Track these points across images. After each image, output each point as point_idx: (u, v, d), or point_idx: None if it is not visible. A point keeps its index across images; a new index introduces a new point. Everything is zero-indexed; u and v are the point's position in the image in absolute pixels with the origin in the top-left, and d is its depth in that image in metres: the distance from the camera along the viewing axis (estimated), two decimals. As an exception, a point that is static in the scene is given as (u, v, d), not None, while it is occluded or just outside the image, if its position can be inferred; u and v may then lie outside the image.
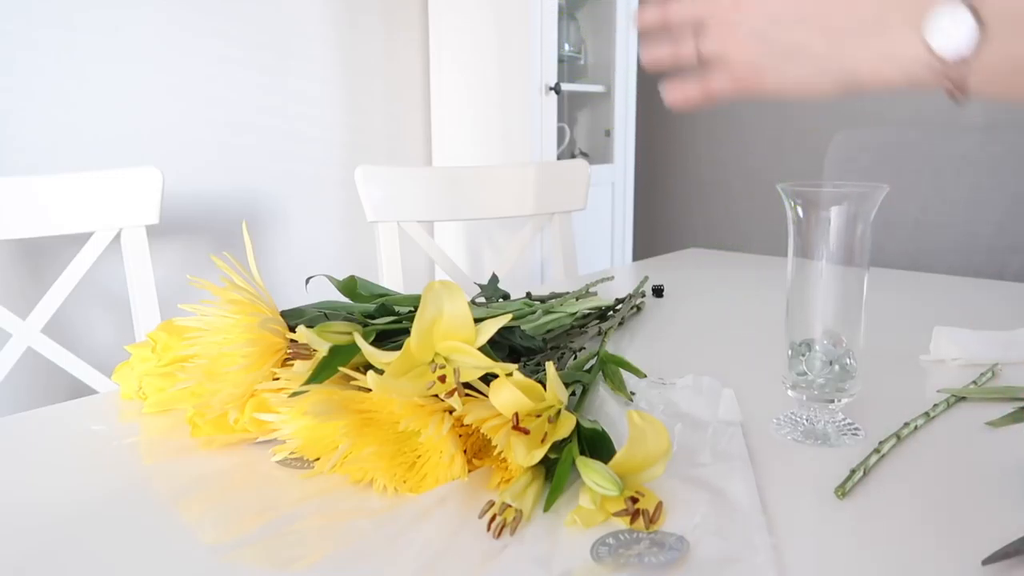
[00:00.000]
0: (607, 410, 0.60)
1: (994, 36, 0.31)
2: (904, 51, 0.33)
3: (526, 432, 0.44)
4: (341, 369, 0.50)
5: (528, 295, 0.88)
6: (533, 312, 0.76)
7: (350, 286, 0.65)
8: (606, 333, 0.78)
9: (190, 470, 0.52)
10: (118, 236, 1.05)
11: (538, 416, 0.46)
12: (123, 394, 0.64)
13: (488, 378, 0.48)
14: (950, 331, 0.75)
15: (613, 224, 2.43)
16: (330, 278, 0.65)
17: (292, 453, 0.51)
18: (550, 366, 0.47)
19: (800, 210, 0.53)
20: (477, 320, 0.50)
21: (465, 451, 0.48)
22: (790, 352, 0.56)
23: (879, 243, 2.11)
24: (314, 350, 0.52)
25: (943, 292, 1.06)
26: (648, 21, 0.43)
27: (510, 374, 0.47)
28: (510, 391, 0.45)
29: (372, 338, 0.54)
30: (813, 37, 0.36)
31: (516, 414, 0.44)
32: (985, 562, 0.40)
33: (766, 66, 0.38)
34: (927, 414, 0.58)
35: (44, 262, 1.41)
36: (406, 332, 0.58)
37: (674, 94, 0.42)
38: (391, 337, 0.59)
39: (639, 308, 0.94)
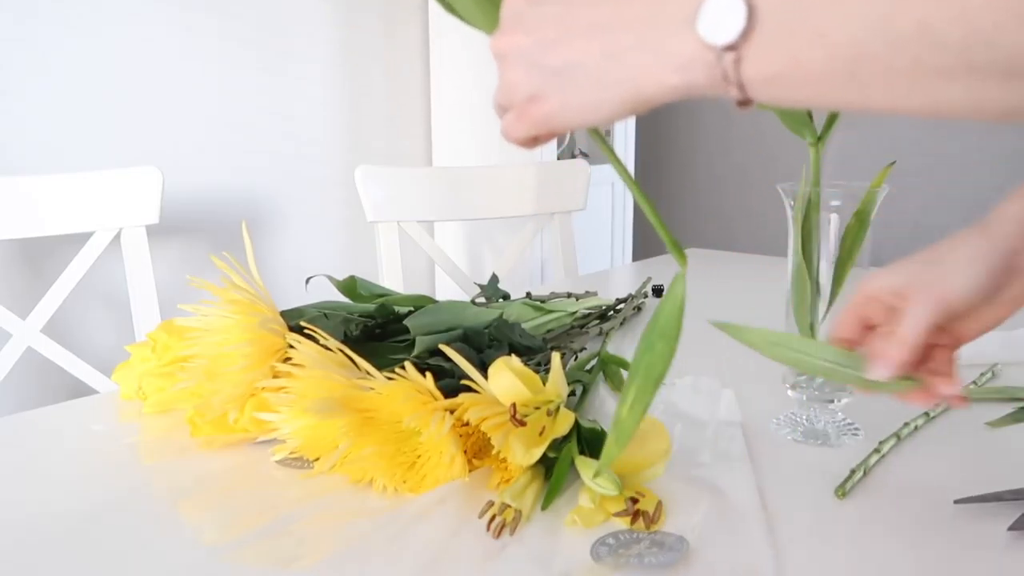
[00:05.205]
0: (607, 410, 0.60)
1: (764, 20, 0.27)
2: (681, 48, 0.29)
3: (523, 423, 0.44)
4: (353, 358, 0.49)
5: (528, 295, 0.88)
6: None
7: (350, 286, 0.65)
8: (608, 334, 0.78)
9: (190, 470, 0.52)
10: (118, 236, 1.05)
11: (536, 408, 0.46)
12: (123, 394, 0.64)
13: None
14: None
15: (613, 224, 2.43)
16: (330, 278, 0.65)
17: (292, 453, 0.51)
18: (556, 357, 0.47)
19: (800, 210, 0.53)
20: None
21: (465, 451, 0.48)
22: (790, 352, 0.56)
23: (879, 243, 2.10)
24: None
25: (943, 292, 1.06)
26: None
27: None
28: (509, 377, 0.45)
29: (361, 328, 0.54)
30: (587, 52, 0.32)
31: (514, 404, 0.44)
32: (957, 502, 0.43)
33: (546, 93, 0.34)
34: (927, 414, 0.58)
35: (44, 262, 1.41)
36: (406, 331, 0.58)
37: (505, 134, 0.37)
38: (390, 337, 0.59)
39: (640, 308, 0.94)
